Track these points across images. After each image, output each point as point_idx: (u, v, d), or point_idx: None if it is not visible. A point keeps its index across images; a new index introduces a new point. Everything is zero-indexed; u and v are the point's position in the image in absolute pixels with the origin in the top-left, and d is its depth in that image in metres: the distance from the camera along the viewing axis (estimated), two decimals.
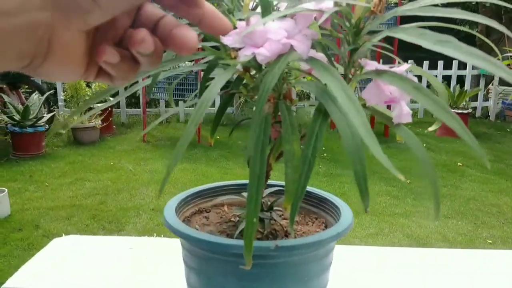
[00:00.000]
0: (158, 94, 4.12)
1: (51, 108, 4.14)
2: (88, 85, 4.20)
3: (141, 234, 2.31)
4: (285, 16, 0.35)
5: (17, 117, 3.47)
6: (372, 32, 0.44)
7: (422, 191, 3.06)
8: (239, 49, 0.38)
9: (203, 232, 0.51)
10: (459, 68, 5.45)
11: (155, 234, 2.31)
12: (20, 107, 3.55)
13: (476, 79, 5.76)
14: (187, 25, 0.31)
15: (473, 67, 5.41)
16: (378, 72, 0.40)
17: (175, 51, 0.31)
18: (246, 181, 0.68)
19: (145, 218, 2.51)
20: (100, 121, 3.98)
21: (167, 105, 4.81)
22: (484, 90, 5.61)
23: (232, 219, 0.59)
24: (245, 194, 0.63)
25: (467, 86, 5.38)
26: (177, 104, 4.97)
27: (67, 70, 0.30)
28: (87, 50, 0.31)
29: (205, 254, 0.49)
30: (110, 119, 4.26)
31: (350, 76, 0.46)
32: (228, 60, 0.40)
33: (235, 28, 0.42)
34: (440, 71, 5.39)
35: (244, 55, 0.36)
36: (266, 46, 0.37)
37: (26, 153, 3.47)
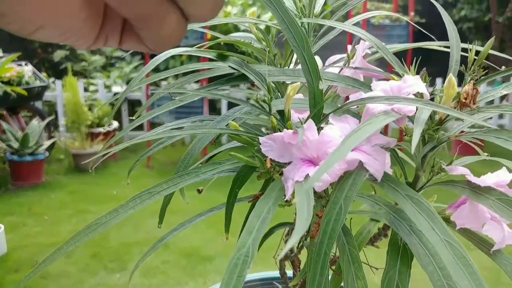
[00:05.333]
0: (162, 118, 4.02)
1: (52, 134, 4.04)
2: (90, 109, 4.11)
3: (145, 273, 2.17)
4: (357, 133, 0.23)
5: (15, 144, 3.36)
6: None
7: None
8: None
9: None
10: None
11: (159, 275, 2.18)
12: (20, 133, 3.44)
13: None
14: None
15: (488, 84, 5.30)
16: (475, 191, 0.28)
17: None
18: (267, 275, 0.56)
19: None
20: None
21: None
22: None
23: None
24: None
25: None
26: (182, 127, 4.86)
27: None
28: None
29: None
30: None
31: (424, 180, 0.34)
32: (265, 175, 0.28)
33: (276, 129, 0.30)
34: None
35: (293, 182, 0.24)
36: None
37: (25, 182, 3.35)
